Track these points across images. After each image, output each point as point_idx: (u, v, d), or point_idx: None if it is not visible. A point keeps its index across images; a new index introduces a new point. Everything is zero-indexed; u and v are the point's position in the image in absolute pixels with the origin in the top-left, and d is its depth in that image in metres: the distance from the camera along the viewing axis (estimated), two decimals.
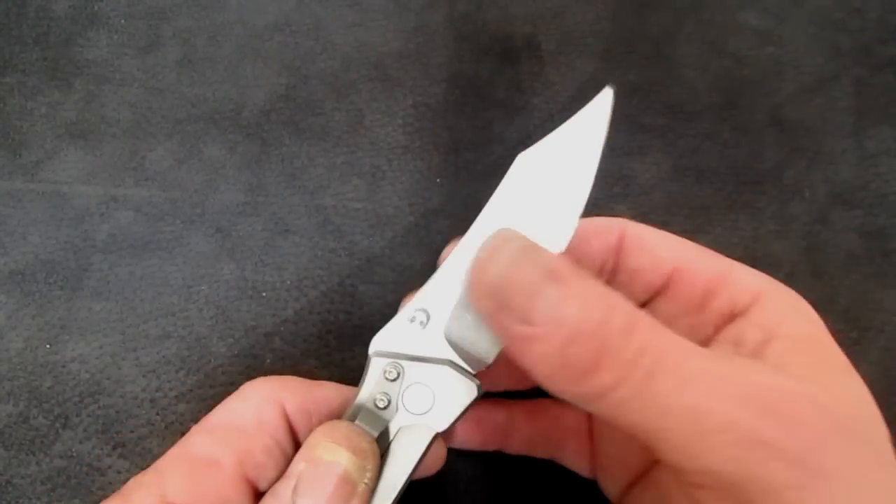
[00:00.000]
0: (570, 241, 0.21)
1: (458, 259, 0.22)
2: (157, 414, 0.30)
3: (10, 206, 0.34)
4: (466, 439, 0.27)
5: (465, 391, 0.22)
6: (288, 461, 0.22)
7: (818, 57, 0.38)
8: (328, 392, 0.24)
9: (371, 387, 0.23)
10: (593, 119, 0.22)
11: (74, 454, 0.29)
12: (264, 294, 0.32)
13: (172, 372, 0.31)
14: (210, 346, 0.31)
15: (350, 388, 0.24)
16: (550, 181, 0.22)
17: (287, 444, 0.23)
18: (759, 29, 0.39)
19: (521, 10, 0.39)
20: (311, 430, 0.22)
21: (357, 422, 0.22)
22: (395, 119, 0.36)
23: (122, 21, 0.39)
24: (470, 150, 0.35)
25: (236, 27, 0.38)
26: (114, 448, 0.29)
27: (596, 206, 0.33)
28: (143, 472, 0.22)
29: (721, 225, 0.34)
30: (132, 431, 0.30)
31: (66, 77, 0.37)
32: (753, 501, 0.17)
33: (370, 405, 0.22)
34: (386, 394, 0.22)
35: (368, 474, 0.21)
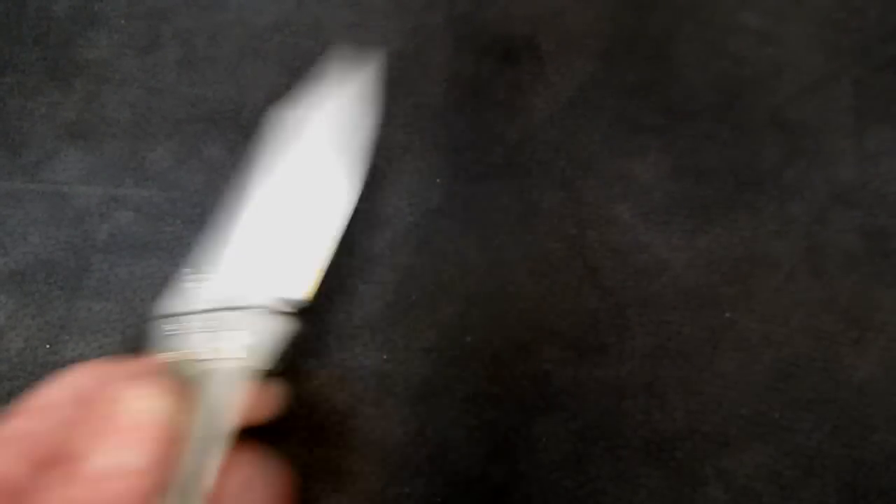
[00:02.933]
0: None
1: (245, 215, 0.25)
2: None
3: (10, 206, 0.34)
4: None
5: (277, 327, 0.23)
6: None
7: (818, 57, 0.38)
8: (130, 366, 0.22)
9: (174, 344, 0.22)
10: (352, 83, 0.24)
11: None
12: None
13: None
14: None
15: (154, 358, 0.23)
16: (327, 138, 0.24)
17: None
18: (758, 29, 0.39)
19: (521, 10, 0.39)
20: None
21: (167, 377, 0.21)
22: (395, 119, 0.36)
23: (122, 21, 0.39)
24: (470, 150, 0.35)
25: (236, 27, 0.38)
26: None
27: (596, 206, 0.34)
28: None
29: (721, 225, 0.34)
30: None
31: (66, 77, 0.37)
32: None
33: (176, 361, 0.22)
34: (191, 347, 0.22)
35: (184, 418, 0.19)
